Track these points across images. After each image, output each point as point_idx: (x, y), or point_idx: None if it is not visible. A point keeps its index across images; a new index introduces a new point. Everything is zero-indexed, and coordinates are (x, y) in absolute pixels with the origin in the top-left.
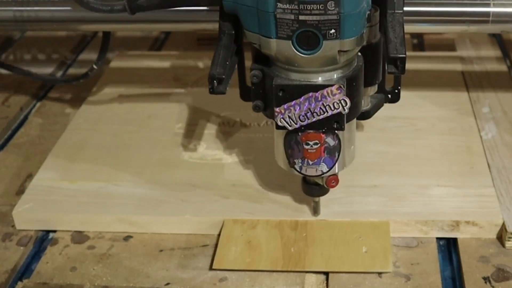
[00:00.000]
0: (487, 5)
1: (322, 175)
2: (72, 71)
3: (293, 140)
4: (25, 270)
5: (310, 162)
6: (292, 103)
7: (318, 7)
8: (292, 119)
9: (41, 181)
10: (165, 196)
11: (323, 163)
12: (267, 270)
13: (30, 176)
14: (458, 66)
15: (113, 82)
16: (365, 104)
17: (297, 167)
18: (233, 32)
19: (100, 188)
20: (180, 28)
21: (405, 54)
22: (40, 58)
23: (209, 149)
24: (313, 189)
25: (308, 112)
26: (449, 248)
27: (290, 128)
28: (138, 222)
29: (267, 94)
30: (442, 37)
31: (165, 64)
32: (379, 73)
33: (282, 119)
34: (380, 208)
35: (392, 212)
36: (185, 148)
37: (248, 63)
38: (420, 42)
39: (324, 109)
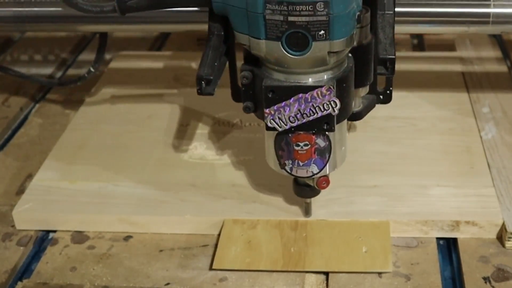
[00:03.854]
0: (488, 6)
1: (313, 176)
2: (71, 71)
3: (283, 141)
4: (25, 270)
5: (301, 163)
6: (282, 104)
7: (307, 8)
8: (282, 120)
9: (41, 181)
10: (165, 196)
11: (314, 164)
12: (267, 270)
13: (30, 176)
14: (458, 66)
15: (113, 82)
16: (357, 105)
17: (287, 168)
18: (222, 33)
19: (100, 188)
20: (177, 29)
21: (394, 55)
22: (39, 58)
23: (209, 149)
24: (304, 190)
25: (298, 113)
26: (449, 248)
27: (280, 129)
28: (138, 222)
29: (257, 95)
30: (442, 38)
31: (165, 64)
32: (370, 74)
33: (272, 120)
34: (380, 208)
35: (392, 212)
36: (185, 148)
37: (239, 64)
38: (420, 42)
39: (314, 110)
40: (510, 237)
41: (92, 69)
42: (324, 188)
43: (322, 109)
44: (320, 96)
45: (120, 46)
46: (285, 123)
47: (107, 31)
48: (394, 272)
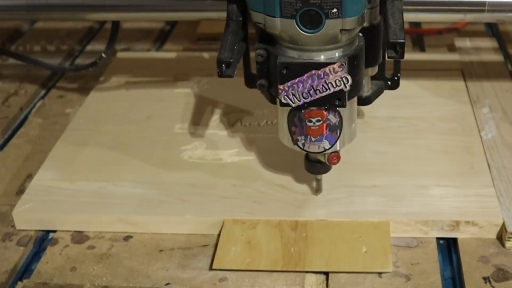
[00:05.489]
0: None
1: (324, 152)
2: (79, 62)
3: (296, 117)
4: (25, 270)
5: (313, 139)
6: (296, 80)
7: None
8: (295, 96)
9: (41, 181)
10: (165, 196)
11: (325, 140)
12: (267, 270)
13: (30, 176)
14: (458, 66)
15: (113, 82)
16: (366, 90)
17: (300, 144)
18: (240, 18)
19: (100, 188)
20: (184, 17)
21: (404, 39)
22: (47, 49)
23: (209, 149)
24: (315, 167)
25: (311, 90)
26: (449, 248)
27: (293, 105)
28: (138, 222)
29: (271, 72)
30: (442, 37)
31: (165, 64)
32: (379, 55)
33: (285, 97)
34: (380, 208)
35: (392, 212)
36: (185, 148)
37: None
38: (420, 43)
39: (326, 87)
40: (510, 237)
41: (103, 55)
42: (335, 163)
43: (334, 85)
44: (333, 73)
45: (120, 46)
46: (299, 99)
47: (116, 19)
48: (394, 272)
